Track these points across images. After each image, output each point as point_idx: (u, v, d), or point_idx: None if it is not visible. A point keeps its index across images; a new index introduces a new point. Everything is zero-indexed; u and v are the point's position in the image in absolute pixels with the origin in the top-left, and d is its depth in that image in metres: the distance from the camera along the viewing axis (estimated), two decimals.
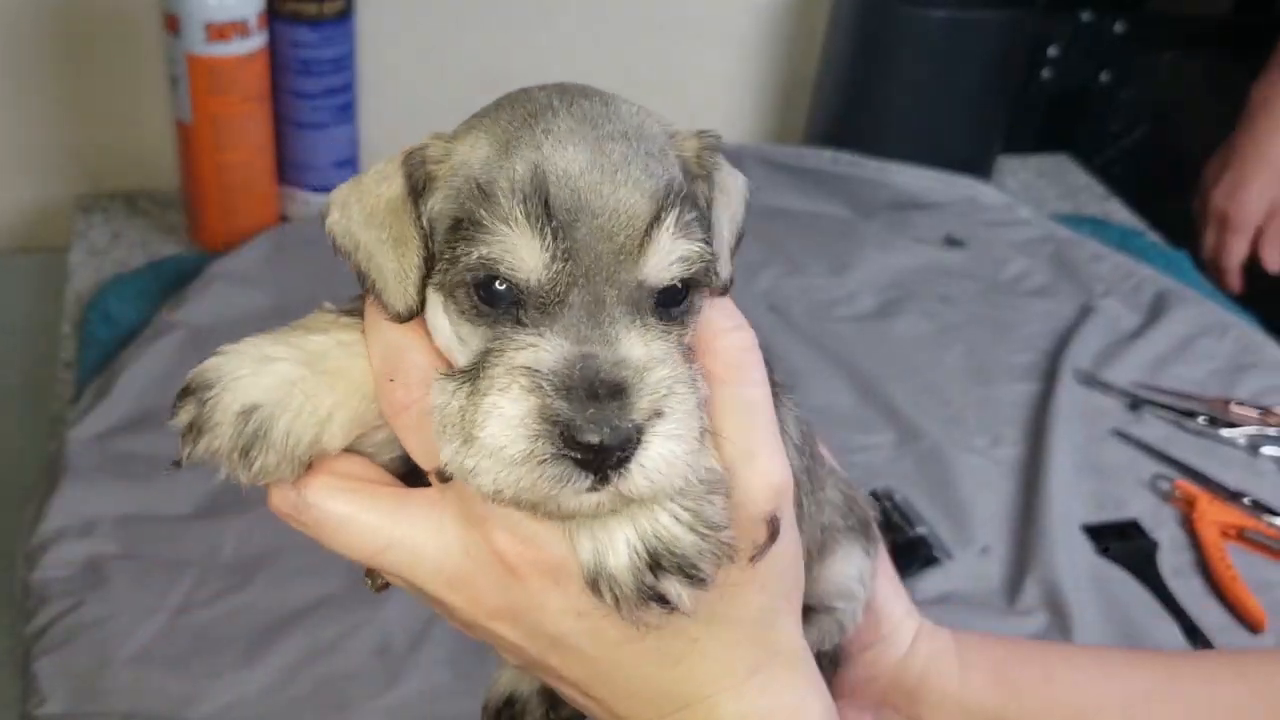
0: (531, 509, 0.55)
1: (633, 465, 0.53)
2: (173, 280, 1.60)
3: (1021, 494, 1.38)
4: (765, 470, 0.61)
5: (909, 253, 1.80)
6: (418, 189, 0.60)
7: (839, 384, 1.52)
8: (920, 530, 1.32)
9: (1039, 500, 1.35)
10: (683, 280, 0.58)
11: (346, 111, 1.70)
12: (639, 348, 0.55)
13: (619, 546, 0.56)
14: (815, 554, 0.79)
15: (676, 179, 0.58)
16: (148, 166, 1.83)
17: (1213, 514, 1.36)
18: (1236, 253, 1.85)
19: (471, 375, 0.56)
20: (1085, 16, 2.09)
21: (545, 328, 0.55)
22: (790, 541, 0.64)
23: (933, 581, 1.26)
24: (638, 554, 0.56)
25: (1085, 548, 1.32)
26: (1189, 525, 1.36)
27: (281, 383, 0.60)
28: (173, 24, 1.53)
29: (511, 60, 1.95)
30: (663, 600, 0.56)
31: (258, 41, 1.57)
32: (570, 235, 0.55)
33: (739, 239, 0.66)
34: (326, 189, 1.72)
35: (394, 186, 0.60)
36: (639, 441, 0.53)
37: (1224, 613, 1.27)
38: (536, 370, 0.54)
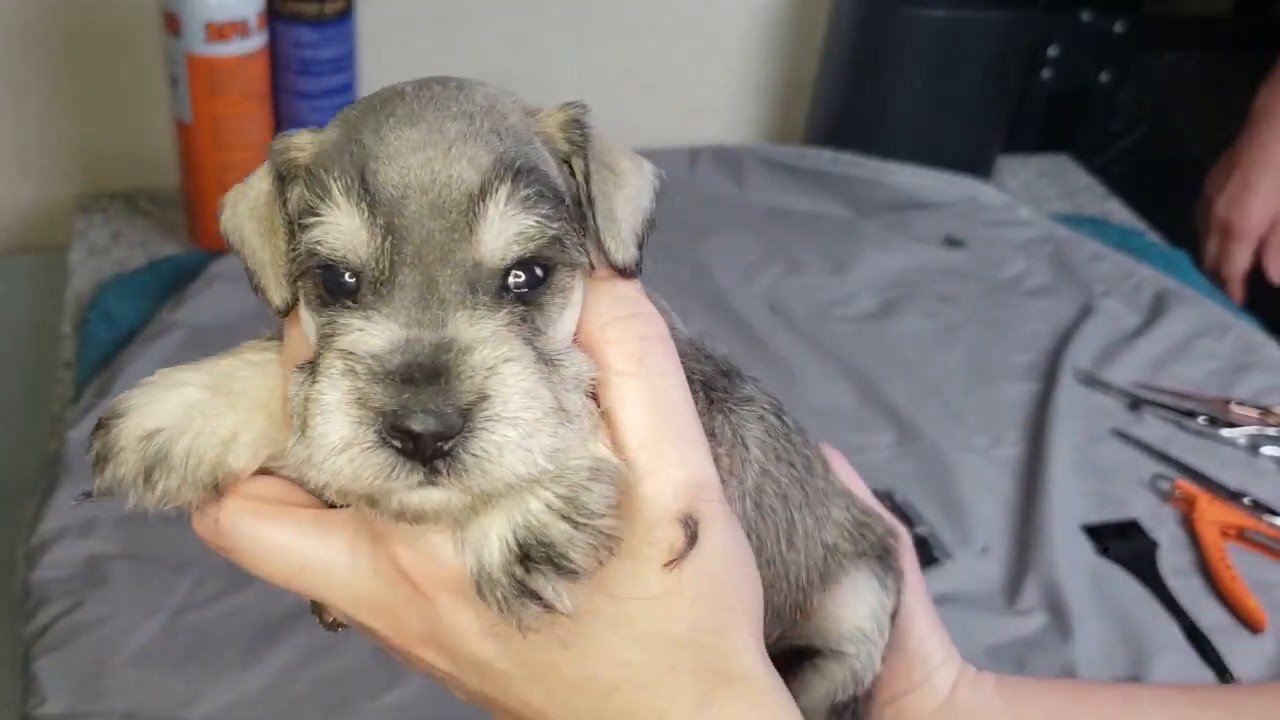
0: (374, 504, 0.53)
1: (463, 454, 0.50)
2: (173, 280, 1.60)
3: (1021, 494, 1.38)
4: (674, 464, 0.57)
5: (909, 253, 1.80)
6: (284, 179, 0.58)
7: (839, 384, 1.52)
8: (920, 530, 1.32)
9: (1039, 500, 1.35)
10: (532, 259, 0.54)
11: None
12: (465, 329, 0.52)
13: (491, 540, 0.53)
14: (817, 580, 0.73)
15: (516, 151, 0.55)
16: (148, 166, 1.83)
17: (1213, 514, 1.36)
18: (1239, 262, 1.85)
19: (313, 365, 0.54)
20: (1085, 17, 2.09)
21: (375, 310, 0.53)
22: (728, 550, 0.59)
23: (933, 581, 1.25)
24: (508, 546, 0.53)
25: (1085, 548, 1.32)
26: (1189, 525, 1.36)
27: (182, 406, 0.59)
28: (173, 24, 1.53)
29: (511, 60, 1.95)
30: (538, 597, 0.53)
31: (258, 41, 1.57)
32: (399, 212, 0.53)
33: (647, 226, 0.60)
34: None
35: (266, 180, 0.60)
36: (464, 429, 0.50)
37: (1224, 613, 1.27)
38: (352, 353, 0.51)
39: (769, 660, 0.61)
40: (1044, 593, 1.24)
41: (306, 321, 0.58)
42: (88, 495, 0.61)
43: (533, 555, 0.52)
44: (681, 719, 0.57)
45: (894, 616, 0.76)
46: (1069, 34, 2.10)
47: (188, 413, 0.59)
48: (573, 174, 0.59)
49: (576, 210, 0.58)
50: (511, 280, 0.55)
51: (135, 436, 0.59)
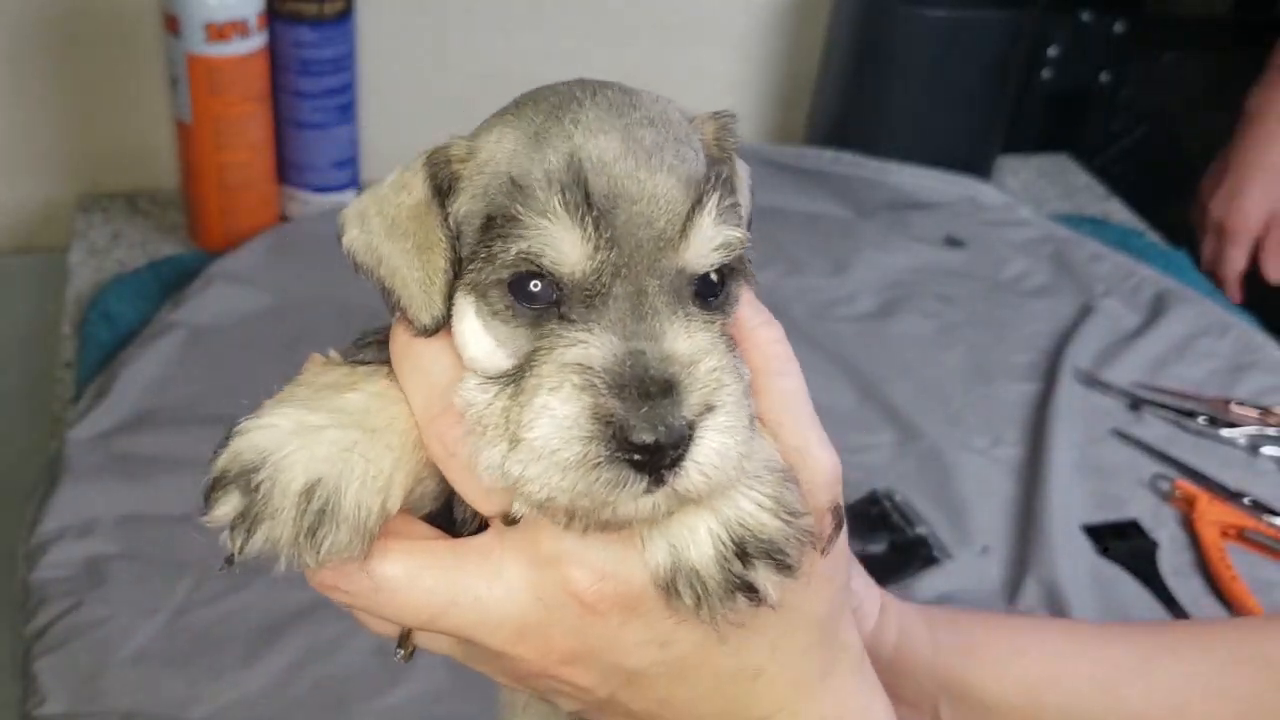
0: (584, 518, 0.53)
1: (687, 463, 0.52)
2: (173, 280, 1.60)
3: (1021, 494, 1.38)
4: (819, 458, 0.60)
5: (909, 253, 1.80)
6: (443, 190, 0.57)
7: (839, 384, 1.52)
8: (920, 530, 1.32)
9: (1039, 500, 1.35)
10: (722, 268, 0.56)
11: (347, 112, 1.70)
12: (684, 341, 0.53)
13: (701, 537, 0.54)
14: None
15: (706, 163, 0.57)
16: (148, 166, 1.83)
17: (1213, 514, 1.36)
18: (1235, 263, 1.85)
19: (515, 376, 0.53)
20: (1085, 17, 2.09)
21: (593, 323, 0.53)
22: (845, 533, 0.63)
23: (933, 581, 1.25)
24: (723, 542, 0.54)
25: (1085, 548, 1.32)
26: (1189, 525, 1.36)
27: (339, 451, 0.55)
28: (173, 24, 1.53)
29: (512, 60, 1.95)
30: (750, 590, 0.54)
31: (258, 41, 1.57)
32: (610, 223, 0.53)
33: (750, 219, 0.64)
34: (326, 189, 1.73)
35: (417, 191, 0.57)
36: (691, 438, 0.51)
37: (1224, 613, 1.27)
38: (589, 368, 0.51)
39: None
40: (1044, 593, 1.24)
41: (473, 338, 0.56)
42: (230, 562, 0.56)
43: (750, 550, 0.54)
44: (809, 695, 0.61)
45: None
46: (1069, 34, 2.09)
47: (347, 458, 0.55)
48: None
49: None
50: (704, 288, 0.56)
51: (295, 491, 0.54)
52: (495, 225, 0.54)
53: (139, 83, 1.78)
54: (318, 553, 0.55)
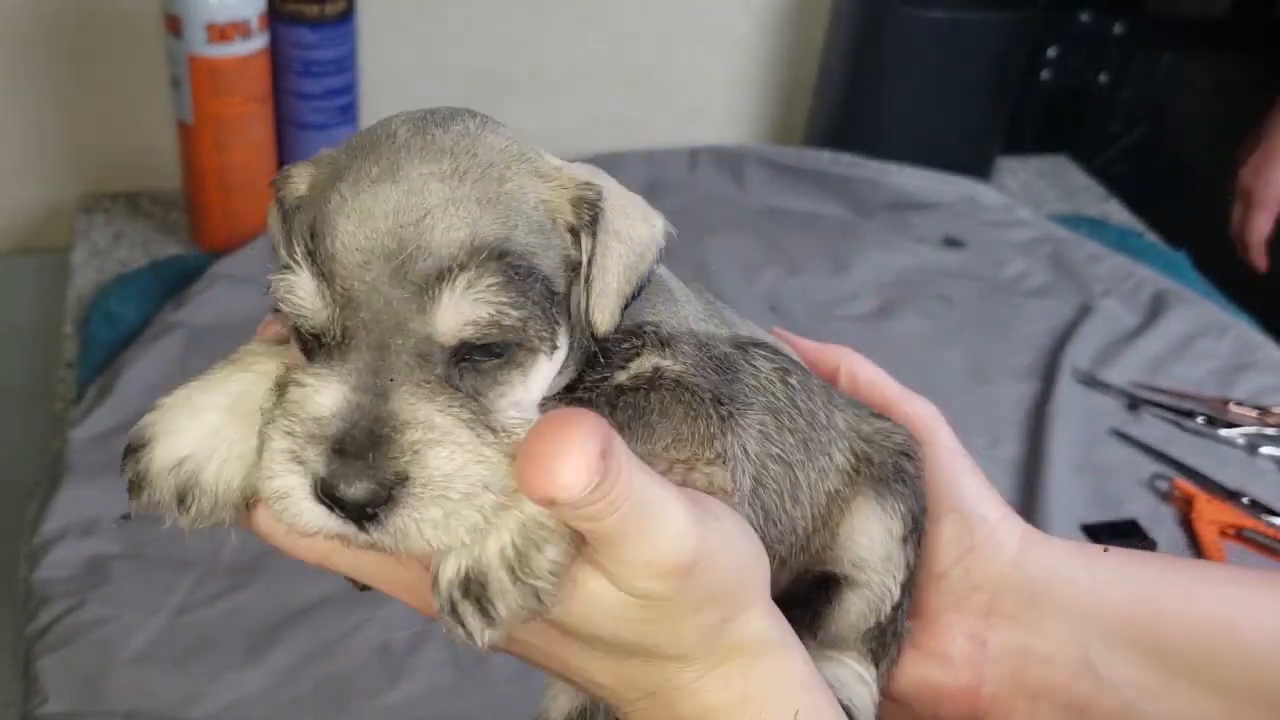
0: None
1: (386, 521, 0.53)
2: (174, 281, 1.60)
3: (1021, 494, 1.38)
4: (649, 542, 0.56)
5: (908, 253, 1.80)
6: (286, 213, 0.60)
7: None
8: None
9: (1038, 500, 1.35)
10: (484, 344, 0.55)
11: (348, 113, 1.71)
12: (407, 405, 0.54)
13: (449, 560, 0.55)
14: (820, 526, 0.75)
15: (498, 228, 0.55)
16: (149, 167, 1.84)
17: (1211, 514, 1.36)
18: (1260, 228, 1.89)
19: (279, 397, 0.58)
20: (1084, 17, 2.10)
21: (328, 369, 0.55)
22: (721, 558, 0.59)
23: None
24: (457, 571, 0.55)
25: None
26: (1188, 525, 1.37)
27: (208, 432, 0.61)
28: (174, 25, 1.54)
29: (511, 61, 1.96)
30: (461, 623, 0.55)
31: (259, 42, 1.58)
32: (360, 277, 0.54)
33: (640, 285, 0.62)
34: None
35: (272, 214, 0.62)
36: (390, 500, 0.53)
37: None
38: (294, 414, 0.54)
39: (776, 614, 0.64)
40: None
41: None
42: (126, 518, 0.63)
43: (469, 589, 0.55)
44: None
45: (914, 529, 0.76)
46: (1068, 35, 2.10)
47: (212, 439, 0.61)
48: (576, 242, 0.59)
49: (570, 276, 0.59)
50: (464, 355, 0.56)
51: (164, 465, 0.61)
52: (280, 266, 0.57)
53: (141, 84, 1.78)
54: (188, 516, 0.60)
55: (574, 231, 0.59)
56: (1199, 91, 2.16)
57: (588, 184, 0.60)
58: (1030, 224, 1.90)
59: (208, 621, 1.15)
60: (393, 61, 1.87)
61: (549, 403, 0.60)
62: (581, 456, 0.50)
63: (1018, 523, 0.80)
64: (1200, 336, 1.67)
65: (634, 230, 0.61)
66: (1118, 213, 2.04)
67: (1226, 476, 1.42)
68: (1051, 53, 2.10)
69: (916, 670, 0.78)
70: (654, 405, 0.61)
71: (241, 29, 1.54)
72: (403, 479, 0.53)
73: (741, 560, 0.61)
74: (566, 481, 0.50)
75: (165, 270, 1.63)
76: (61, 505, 1.24)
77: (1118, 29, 2.10)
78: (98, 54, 1.76)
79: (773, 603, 0.64)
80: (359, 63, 1.70)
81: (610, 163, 1.89)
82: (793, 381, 0.73)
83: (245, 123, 1.61)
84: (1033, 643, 0.76)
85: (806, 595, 0.75)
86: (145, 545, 1.21)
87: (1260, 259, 1.90)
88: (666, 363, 0.63)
